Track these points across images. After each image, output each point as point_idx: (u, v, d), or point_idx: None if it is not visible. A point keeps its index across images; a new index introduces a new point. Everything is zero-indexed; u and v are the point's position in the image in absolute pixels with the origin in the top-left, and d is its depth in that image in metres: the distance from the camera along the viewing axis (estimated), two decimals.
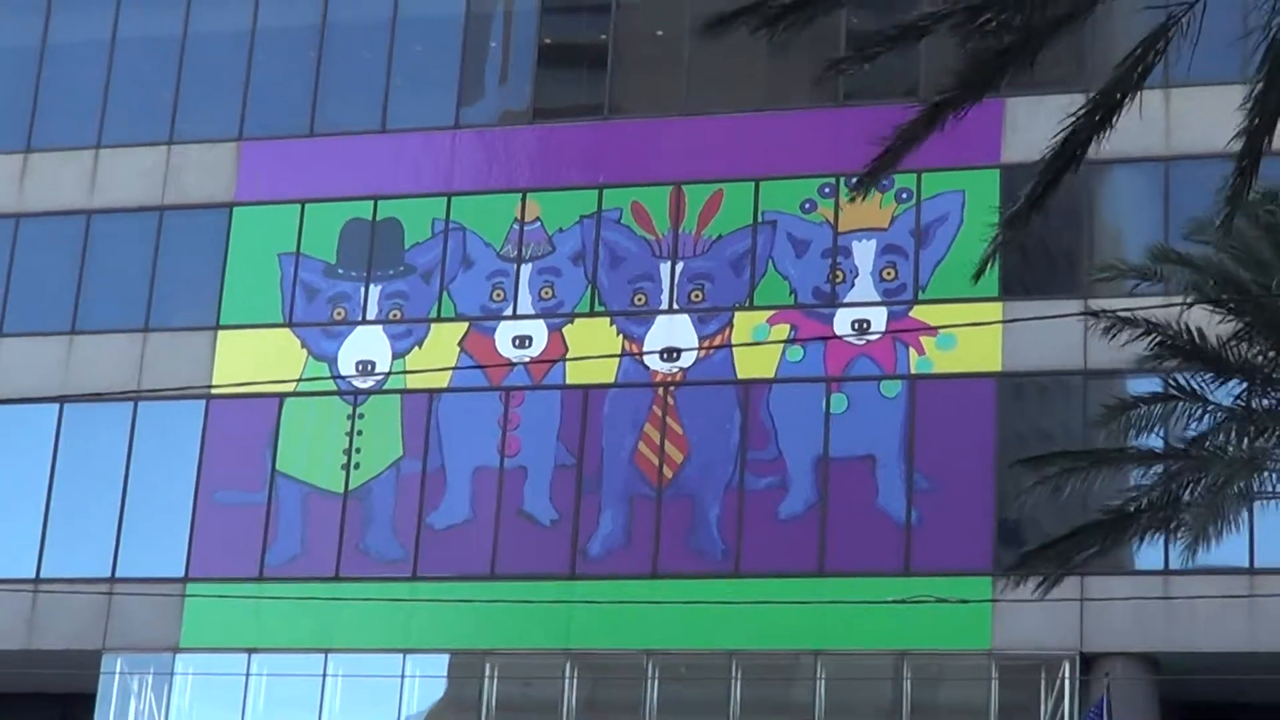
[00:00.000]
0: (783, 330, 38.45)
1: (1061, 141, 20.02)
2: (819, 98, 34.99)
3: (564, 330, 39.59)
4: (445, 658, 39.42)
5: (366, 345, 40.60)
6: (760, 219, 39.23)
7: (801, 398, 38.24)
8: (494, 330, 39.98)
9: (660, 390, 38.98)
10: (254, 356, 40.78)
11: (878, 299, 38.29)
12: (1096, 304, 32.93)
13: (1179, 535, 27.78)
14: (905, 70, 20.44)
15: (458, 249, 40.63)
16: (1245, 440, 27.54)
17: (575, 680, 38.13)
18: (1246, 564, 33.40)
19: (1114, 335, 28.25)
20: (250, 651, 39.46)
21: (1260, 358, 26.89)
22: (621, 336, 39.36)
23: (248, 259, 41.71)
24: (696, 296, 39.24)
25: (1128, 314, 28.03)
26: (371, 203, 41.40)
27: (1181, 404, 28.17)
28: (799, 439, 38.08)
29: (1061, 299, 35.94)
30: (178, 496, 40.47)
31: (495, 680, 38.64)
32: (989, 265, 22.16)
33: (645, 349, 39.19)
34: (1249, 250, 26.19)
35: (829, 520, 37.45)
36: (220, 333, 41.41)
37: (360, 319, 40.76)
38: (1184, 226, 27.91)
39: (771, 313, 38.75)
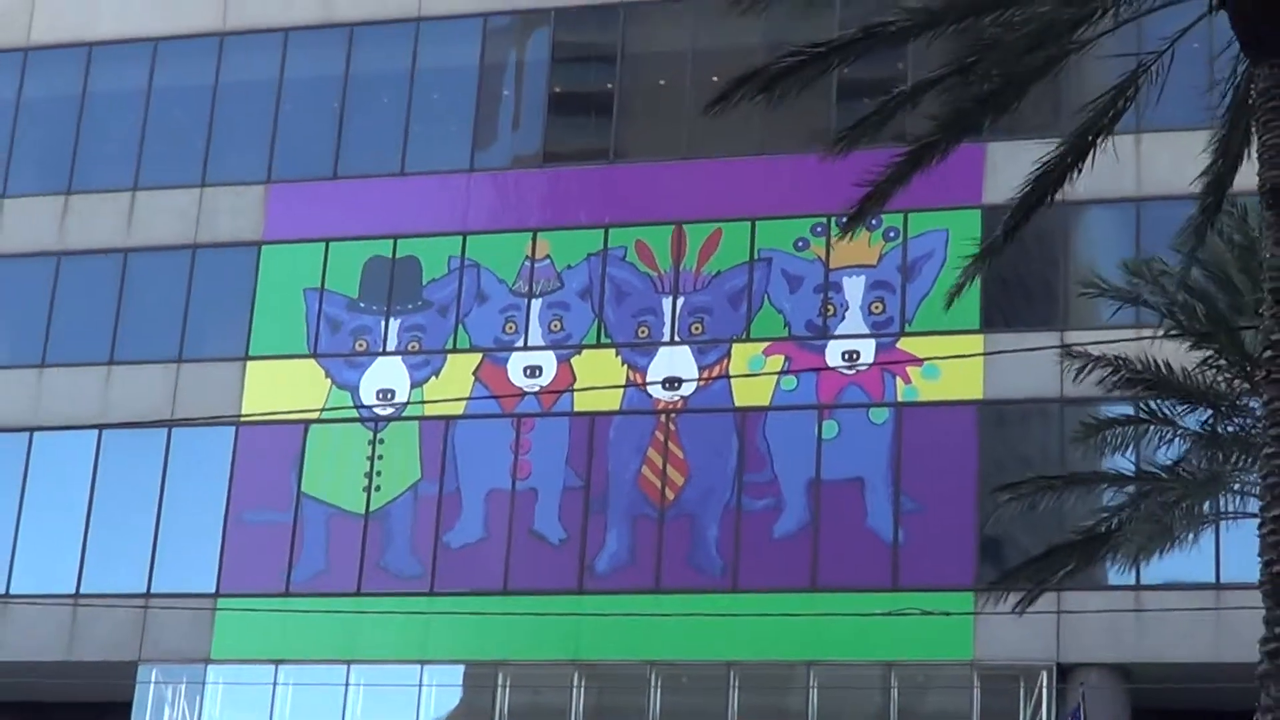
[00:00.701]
0: (777, 361, 38.47)
1: (1034, 180, 20.23)
2: (810, 142, 35.09)
3: (572, 361, 39.61)
4: (460, 668, 39.38)
5: (386, 375, 40.60)
6: (756, 256, 39.25)
7: (795, 424, 38.23)
8: (506, 361, 39.96)
9: (662, 417, 38.97)
10: (281, 386, 40.78)
11: (867, 331, 38.31)
12: (1072, 336, 33.09)
13: (1147, 550, 27.83)
14: (895, 116, 20.55)
15: (472, 285, 40.64)
16: (1212, 463, 27.62)
17: (583, 690, 38.08)
18: (1213, 579, 33.38)
19: (1088, 374, 28.29)
20: (277, 663, 39.43)
21: (1225, 385, 26.96)
22: (626, 367, 39.36)
23: (275, 294, 41.73)
24: (696, 329, 39.28)
25: (1100, 352, 28.04)
26: (391, 241, 41.40)
27: (1152, 428, 28.24)
28: (793, 463, 38.04)
29: (1039, 331, 36.00)
30: (209, 517, 40.44)
31: (508, 690, 38.56)
32: (962, 292, 22.38)
33: (648, 379, 39.17)
34: (1222, 271, 26.23)
35: (821, 539, 37.41)
36: (249, 363, 41.41)
37: (381, 350, 40.75)
38: (1170, 242, 27.89)
39: (767, 344, 38.77)
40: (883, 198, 20.09)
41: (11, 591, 40.79)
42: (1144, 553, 27.67)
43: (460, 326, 40.45)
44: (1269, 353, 17.44)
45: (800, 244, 39.03)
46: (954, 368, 36.95)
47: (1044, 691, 35.73)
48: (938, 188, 23.24)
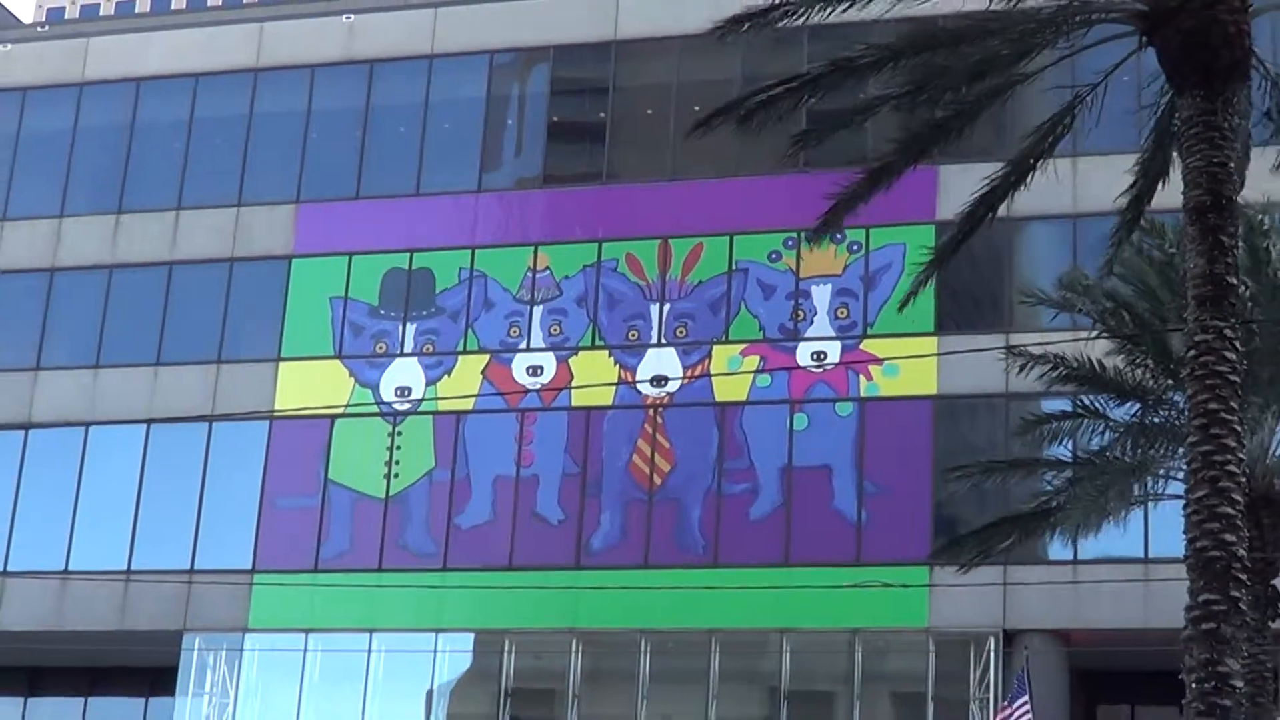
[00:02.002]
0: (753, 361, 38.44)
1: (981, 198, 20.24)
2: (783, 165, 35.03)
3: (570, 361, 39.57)
4: (471, 636, 39.34)
5: (404, 374, 40.55)
6: (734, 267, 39.23)
7: (769, 417, 38.23)
8: (511, 361, 39.94)
9: (651, 411, 38.95)
10: (309, 384, 40.68)
11: (833, 334, 38.28)
12: (1015, 338, 33.10)
13: (1084, 527, 27.86)
14: (855, 141, 20.55)
15: (480, 293, 40.60)
16: (1139, 450, 27.65)
17: (580, 655, 38.00)
18: (1142, 554, 33.38)
19: (1029, 371, 28.31)
20: (307, 631, 39.39)
21: (1152, 381, 26.98)
22: (618, 366, 39.33)
23: (304, 302, 41.68)
24: (681, 332, 39.24)
25: (1040, 352, 28.03)
26: (408, 254, 41.34)
27: (1087, 420, 28.25)
28: (767, 452, 38.04)
29: (987, 333, 35.98)
30: (245, 501, 40.41)
31: (513, 655, 38.54)
32: (916, 297, 22.39)
33: (638, 377, 39.14)
34: (1144, 281, 26.26)
35: (792, 519, 37.41)
36: (281, 364, 41.33)
37: (399, 352, 40.68)
38: (1102, 253, 27.92)
39: (744, 346, 38.77)
40: (845, 210, 20.08)
41: (70, 568, 40.73)
42: (1083, 529, 27.70)
43: (470, 330, 40.42)
44: (1192, 352, 17.46)
45: (773, 256, 39.02)
46: (911, 366, 37.01)
47: (991, 655, 35.72)
48: (896, 206, 23.25)
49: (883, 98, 19.61)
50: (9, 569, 41.15)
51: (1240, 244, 25.56)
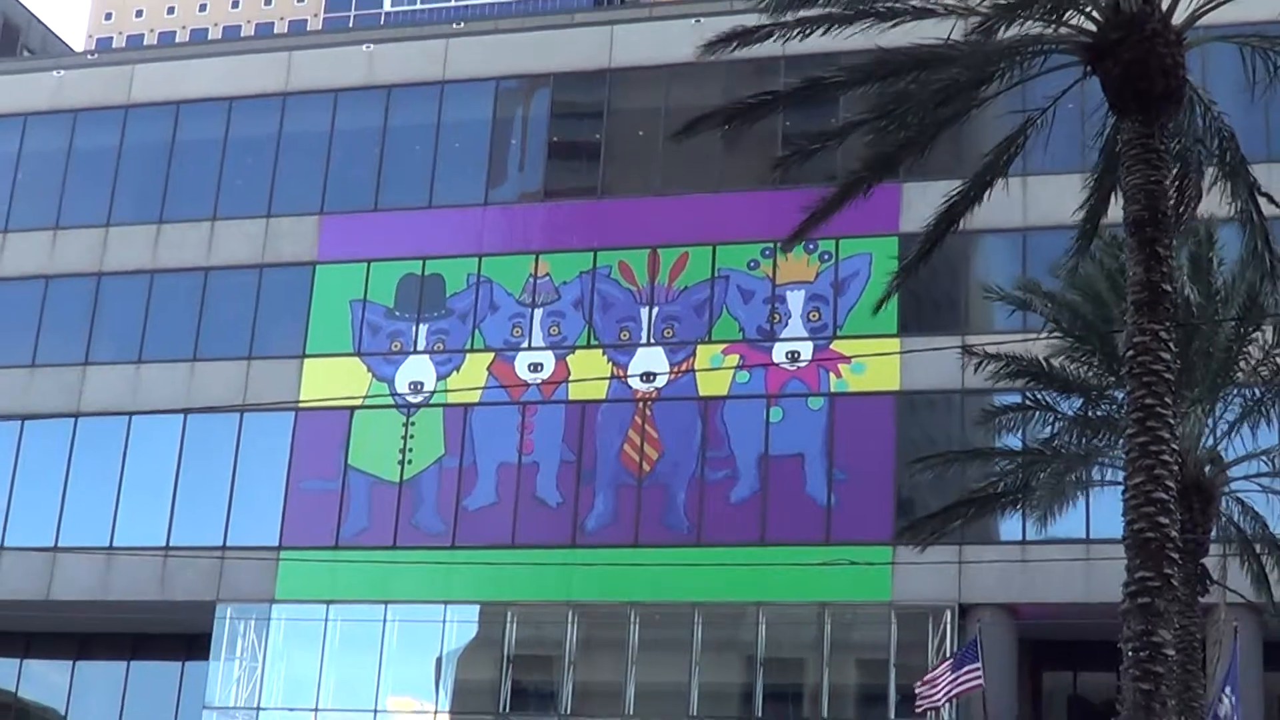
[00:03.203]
0: (733, 359, 38.40)
1: (942, 213, 20.19)
2: (761, 182, 35.00)
3: (567, 359, 39.54)
4: (477, 607, 39.27)
5: (417, 370, 40.51)
6: (716, 274, 39.20)
7: (748, 410, 38.21)
8: (514, 359, 39.90)
9: (640, 405, 38.91)
10: (331, 378, 40.64)
11: (805, 335, 38.27)
12: (971, 339, 33.04)
13: (1032, 510, 27.85)
14: (827, 160, 20.52)
15: (486, 297, 40.55)
16: (1083, 441, 27.64)
17: (576, 625, 38.02)
18: (1084, 535, 33.38)
19: (983, 367, 28.28)
20: (328, 602, 39.35)
21: (1095, 379, 26.97)
22: (611, 364, 39.27)
23: (327, 304, 41.62)
24: (668, 333, 39.19)
25: (993, 351, 28.00)
26: (421, 261, 41.30)
27: (1036, 413, 28.24)
28: (746, 442, 38.03)
29: (945, 335, 35.95)
30: (273, 484, 40.39)
31: (515, 625, 38.59)
32: (884, 304, 22.35)
33: (629, 373, 39.14)
34: (1091, 288, 26.26)
35: (768, 503, 37.39)
36: (305, 360, 41.29)
37: (412, 350, 40.65)
38: (1050, 264, 27.86)
39: (725, 345, 38.71)
40: (817, 222, 20.02)
41: (114, 544, 40.66)
42: (1048, 513, 27.78)
43: (476, 331, 40.38)
44: (1131, 352, 17.45)
45: (752, 264, 39.00)
46: (876, 364, 37.02)
47: (948, 626, 35.74)
48: (863, 219, 23.22)
49: (854, 123, 19.58)
50: (60, 545, 41.11)
51: (1186, 255, 25.65)
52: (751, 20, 18.93)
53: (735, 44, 18.67)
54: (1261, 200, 19.92)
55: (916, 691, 33.66)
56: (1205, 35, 18.74)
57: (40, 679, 44.12)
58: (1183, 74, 17.79)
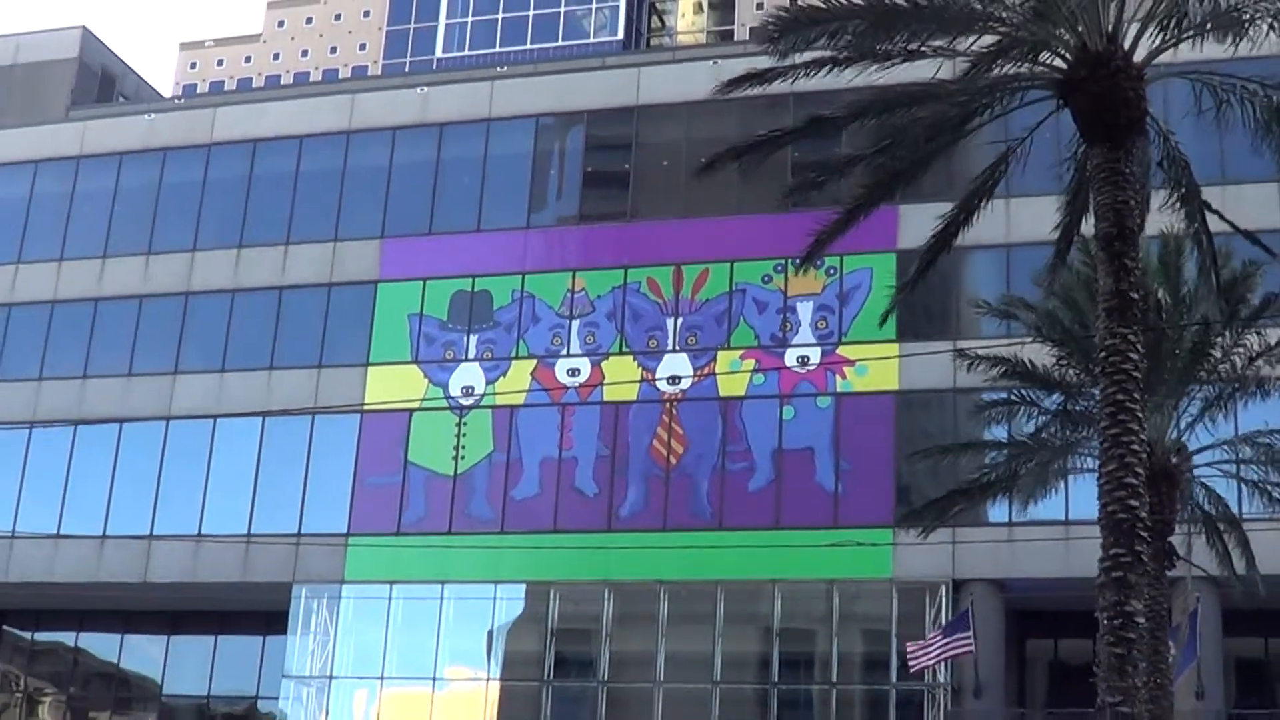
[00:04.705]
0: (750, 363, 38.41)
1: (938, 234, 20.28)
2: (773, 206, 35.09)
3: (602, 364, 39.58)
4: (523, 586, 39.29)
5: (468, 376, 40.59)
6: (734, 288, 39.20)
7: (763, 409, 38.21)
8: (554, 365, 39.97)
9: (667, 405, 38.94)
10: (392, 384, 40.71)
11: (814, 341, 38.27)
12: (962, 344, 33.07)
13: (1018, 495, 27.88)
14: (832, 186, 20.62)
15: (529, 310, 40.62)
16: (1063, 433, 27.67)
17: (611, 601, 38.04)
18: (1064, 517, 33.34)
19: (974, 368, 28.36)
20: (391, 583, 39.48)
21: (1074, 377, 26.99)
22: (641, 368, 39.32)
23: (387, 318, 41.72)
24: (692, 341, 39.24)
25: (983, 354, 28.09)
26: (471, 279, 41.38)
27: (1021, 409, 28.28)
28: (762, 437, 38.02)
29: (938, 340, 35.96)
30: (341, 478, 40.47)
31: (557, 601, 38.60)
32: (889, 315, 22.40)
33: (657, 377, 39.17)
34: (1069, 295, 26.30)
35: (782, 491, 37.40)
36: (369, 368, 41.40)
37: (464, 358, 40.71)
38: (1032, 278, 27.89)
39: (742, 351, 38.73)
40: (827, 243, 20.16)
41: (202, 533, 40.91)
42: (1032, 498, 27.85)
43: (521, 340, 40.46)
44: (1104, 354, 17.52)
45: (766, 279, 39.03)
46: (878, 367, 37.08)
47: (943, 599, 35.73)
48: (864, 237, 23.27)
49: (855, 157, 19.71)
50: (154, 533, 41.34)
51: (1158, 263, 25.68)
52: (763, 62, 19.05)
53: (748, 85, 18.79)
54: (1213, 217, 19.97)
55: (908, 652, 33.76)
56: (1163, 72, 18.80)
57: (138, 652, 44.39)
58: (1144, 106, 17.87)
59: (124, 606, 43.37)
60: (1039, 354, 27.51)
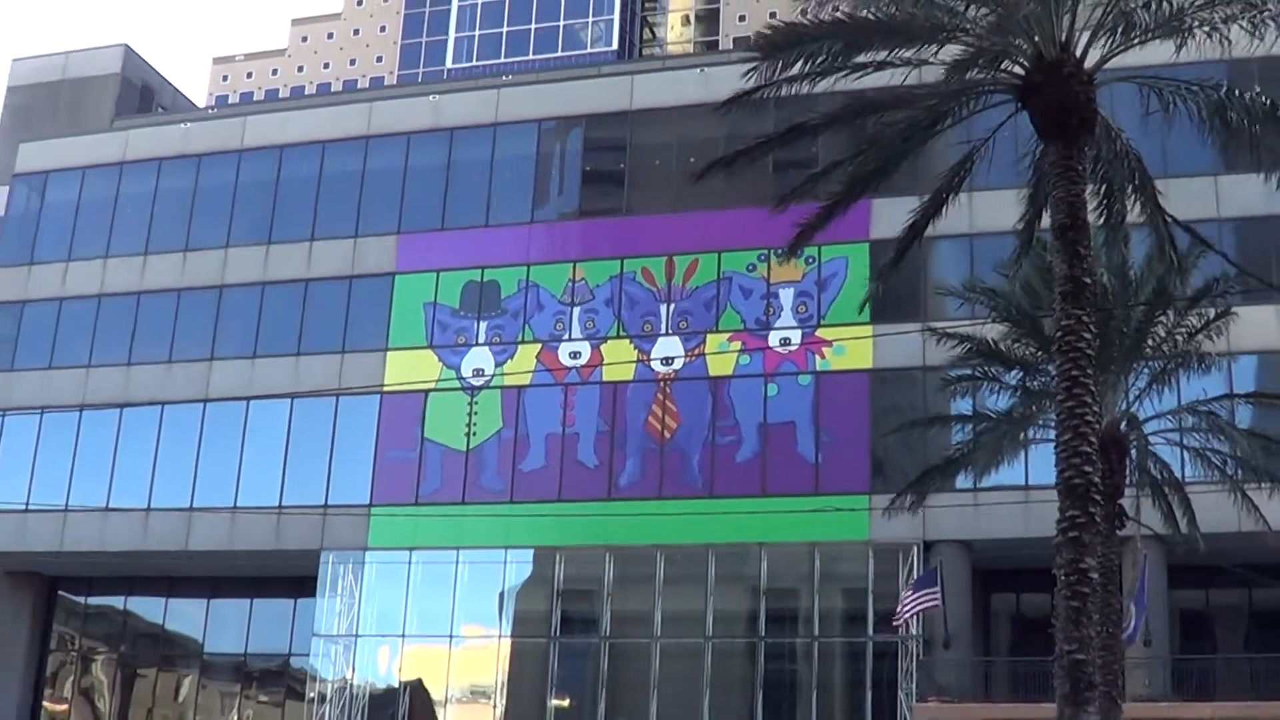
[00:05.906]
0: (737, 345, 38.50)
1: (910, 226, 20.34)
2: (756, 201, 35.10)
3: (601, 347, 39.62)
4: (531, 551, 39.34)
5: (479, 359, 40.61)
6: (721, 276, 39.24)
7: (749, 387, 38.26)
8: (557, 348, 40.00)
9: (661, 384, 39.00)
10: (409, 367, 40.76)
11: (795, 324, 38.33)
12: (932, 325, 33.14)
13: (974, 466, 27.96)
14: (812, 184, 20.60)
15: (534, 298, 40.61)
16: (1024, 406, 27.73)
17: (611, 564, 38.13)
18: (1024, 483, 33.46)
19: (941, 344, 28.43)
20: (410, 549, 39.54)
21: (1032, 356, 27.06)
22: (637, 351, 39.35)
23: (405, 306, 41.71)
24: (683, 325, 39.25)
25: (951, 332, 28.19)
26: (480, 270, 41.39)
27: (985, 384, 28.36)
28: (748, 413, 38.07)
29: (909, 323, 36.04)
30: (364, 454, 40.49)
31: (562, 565, 38.68)
32: (869, 302, 22.40)
33: (651, 358, 39.21)
34: (1028, 283, 26.35)
35: (768, 462, 37.44)
36: (389, 353, 41.43)
37: (475, 343, 40.74)
38: (993, 265, 27.94)
39: (730, 334, 38.77)
40: (808, 237, 20.22)
41: (238, 504, 40.92)
42: (988, 468, 27.92)
43: (526, 326, 40.48)
44: (1059, 333, 17.60)
45: (750, 267, 39.06)
46: (854, 347, 37.08)
47: (914, 559, 35.82)
48: (841, 229, 23.27)
49: (834, 163, 19.77)
50: (194, 505, 41.39)
51: (1104, 251, 25.73)
52: (746, 68, 19.06)
53: (739, 102, 18.85)
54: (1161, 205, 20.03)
55: (895, 616, 33.89)
56: (1112, 76, 18.86)
57: (181, 614, 44.50)
58: (1095, 108, 17.93)
59: (168, 572, 43.46)
60: (1000, 334, 27.57)
